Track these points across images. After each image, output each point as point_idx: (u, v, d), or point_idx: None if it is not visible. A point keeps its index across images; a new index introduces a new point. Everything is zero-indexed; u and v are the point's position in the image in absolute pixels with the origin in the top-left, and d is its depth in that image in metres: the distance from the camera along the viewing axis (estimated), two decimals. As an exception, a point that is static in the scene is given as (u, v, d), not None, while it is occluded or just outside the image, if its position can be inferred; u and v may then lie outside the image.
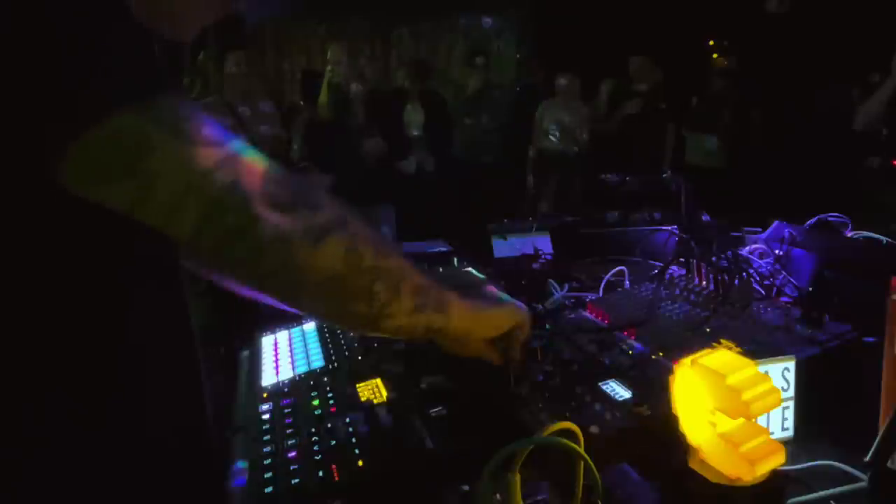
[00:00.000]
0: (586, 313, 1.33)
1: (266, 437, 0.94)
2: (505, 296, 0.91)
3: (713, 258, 1.39)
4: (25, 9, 0.48)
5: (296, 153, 3.99)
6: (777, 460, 0.76)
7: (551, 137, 5.12)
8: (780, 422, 0.99)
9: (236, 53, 3.92)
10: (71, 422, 0.60)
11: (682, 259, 1.51)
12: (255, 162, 0.58)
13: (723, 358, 0.81)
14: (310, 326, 1.33)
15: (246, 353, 1.30)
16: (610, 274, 1.60)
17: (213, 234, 0.56)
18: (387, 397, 1.01)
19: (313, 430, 0.94)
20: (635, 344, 1.15)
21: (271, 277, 0.61)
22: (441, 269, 1.32)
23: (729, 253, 1.39)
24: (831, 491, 0.86)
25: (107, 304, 0.61)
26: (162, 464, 0.68)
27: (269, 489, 0.83)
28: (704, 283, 1.38)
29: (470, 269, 1.65)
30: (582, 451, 0.71)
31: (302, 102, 4.86)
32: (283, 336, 1.32)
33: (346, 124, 3.94)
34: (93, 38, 0.50)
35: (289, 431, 0.94)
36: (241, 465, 0.86)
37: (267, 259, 0.59)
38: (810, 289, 1.37)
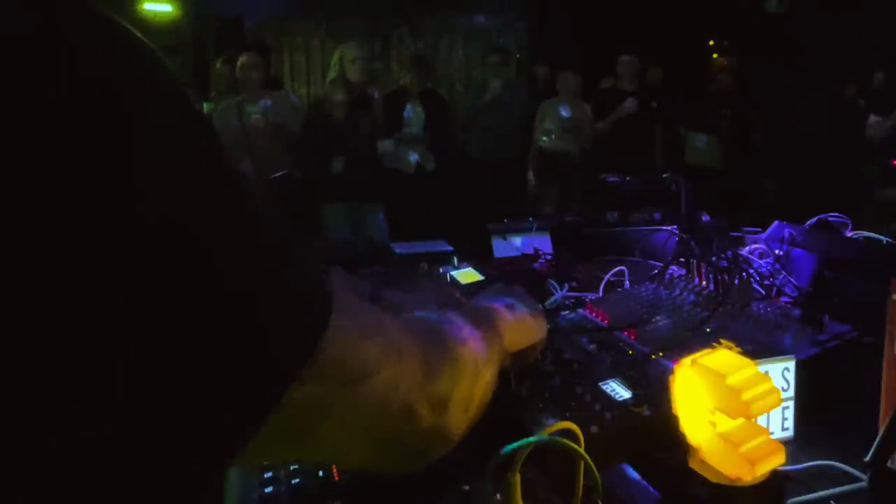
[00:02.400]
0: (586, 313, 1.33)
1: (266, 437, 0.94)
2: (538, 306, 0.92)
3: (713, 258, 1.39)
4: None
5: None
6: (777, 460, 0.76)
7: (553, 137, 5.12)
8: (780, 422, 0.99)
9: (248, 54, 3.95)
10: None
11: (682, 259, 1.50)
12: (412, 355, 0.50)
13: (723, 358, 0.81)
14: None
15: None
16: (610, 274, 1.60)
17: (385, 461, 0.53)
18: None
19: (313, 430, 0.94)
20: (635, 344, 1.15)
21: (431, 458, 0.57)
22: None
23: (729, 253, 1.39)
24: (831, 491, 0.86)
25: None
26: None
27: (269, 489, 0.83)
28: (704, 283, 1.38)
29: (470, 268, 1.65)
30: (582, 451, 0.71)
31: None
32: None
33: (358, 124, 3.92)
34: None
35: (289, 431, 0.94)
36: None
37: (430, 455, 0.56)
38: (810, 289, 1.37)
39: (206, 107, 4.14)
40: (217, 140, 0.38)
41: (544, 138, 5.13)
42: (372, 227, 3.97)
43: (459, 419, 0.56)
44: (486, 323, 0.71)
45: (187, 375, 0.33)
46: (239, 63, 3.94)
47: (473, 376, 0.58)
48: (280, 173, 3.79)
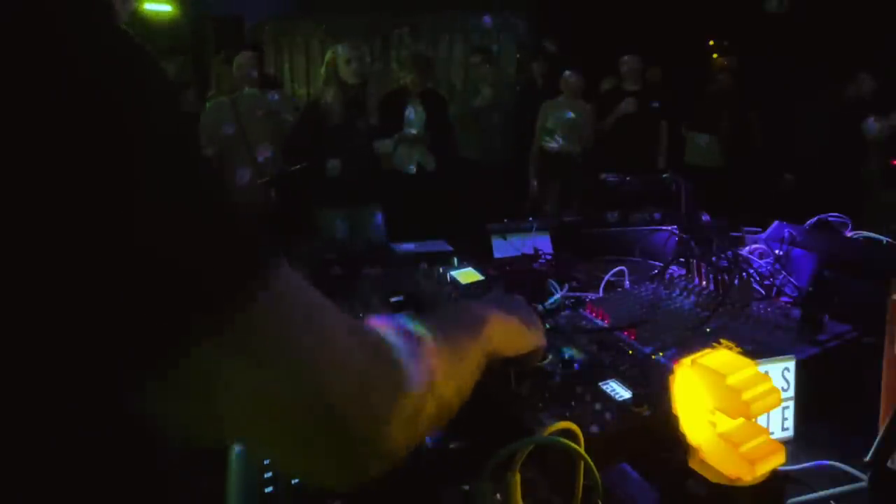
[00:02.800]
0: (586, 313, 1.33)
1: (266, 437, 0.94)
2: (534, 316, 0.92)
3: (713, 258, 1.39)
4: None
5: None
6: (777, 460, 0.76)
7: (557, 138, 5.11)
8: (780, 422, 0.99)
9: (244, 53, 3.95)
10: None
11: (682, 259, 1.51)
12: (348, 352, 0.48)
13: (723, 358, 0.81)
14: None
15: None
16: (610, 274, 1.60)
17: (305, 467, 0.50)
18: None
19: (313, 430, 0.94)
20: (635, 344, 1.15)
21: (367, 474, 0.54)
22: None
23: (729, 253, 1.39)
24: (831, 491, 0.86)
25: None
26: None
27: (269, 489, 0.83)
28: (704, 283, 1.38)
29: (470, 268, 1.65)
30: (582, 451, 0.71)
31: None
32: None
33: (356, 124, 3.91)
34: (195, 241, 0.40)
35: (289, 431, 0.94)
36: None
37: (364, 470, 0.52)
38: (810, 289, 1.37)
39: (208, 105, 4.14)
40: (197, 138, 0.42)
41: (547, 139, 5.13)
42: (370, 229, 3.97)
43: (401, 434, 0.51)
44: (467, 331, 0.70)
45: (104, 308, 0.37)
46: (235, 63, 3.94)
47: (423, 394, 0.54)
48: (298, 166, 3.77)
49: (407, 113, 4.25)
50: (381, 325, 0.56)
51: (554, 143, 5.11)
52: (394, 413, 0.50)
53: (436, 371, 0.57)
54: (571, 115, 5.13)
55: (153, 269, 0.38)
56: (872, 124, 4.72)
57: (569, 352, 1.10)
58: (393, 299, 1.47)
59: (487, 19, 7.55)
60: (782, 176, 5.30)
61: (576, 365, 1.05)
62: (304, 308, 0.46)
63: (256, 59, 4.05)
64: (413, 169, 4.23)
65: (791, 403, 1.00)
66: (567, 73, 5.14)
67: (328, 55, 3.98)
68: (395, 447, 0.51)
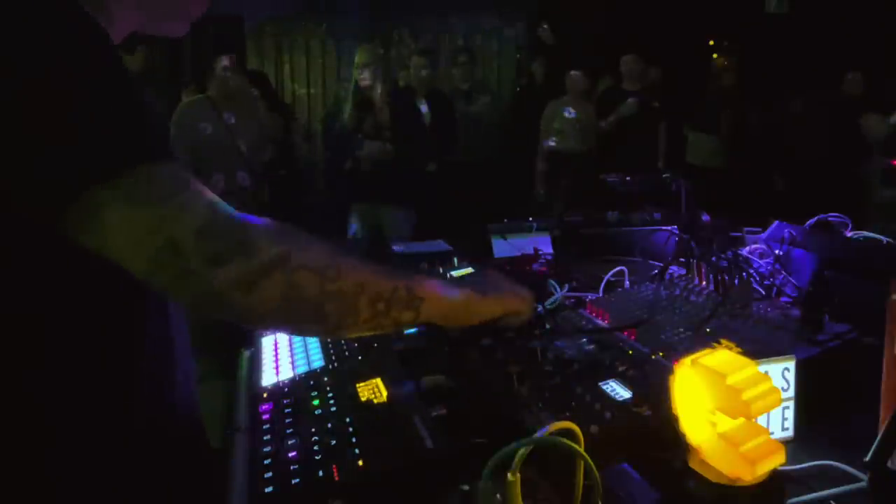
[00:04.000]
0: (586, 313, 1.33)
1: (266, 437, 0.94)
2: (507, 285, 0.95)
3: (713, 258, 1.39)
4: (23, 69, 0.59)
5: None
6: (777, 460, 0.76)
7: (570, 139, 5.10)
8: (780, 422, 0.99)
9: (228, 56, 3.91)
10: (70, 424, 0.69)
11: (682, 259, 1.51)
12: (195, 216, 0.63)
13: (723, 358, 0.81)
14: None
15: (246, 353, 1.30)
16: (610, 274, 1.60)
17: (161, 283, 0.64)
18: (387, 397, 1.01)
19: (313, 430, 0.94)
20: (635, 344, 1.15)
21: (220, 314, 0.67)
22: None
23: (729, 253, 1.39)
24: (831, 491, 0.86)
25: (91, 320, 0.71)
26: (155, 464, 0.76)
27: (269, 489, 0.83)
28: (704, 283, 1.38)
29: (470, 268, 1.65)
30: (582, 451, 0.71)
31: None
32: (282, 336, 1.32)
33: (363, 125, 3.92)
34: (83, 104, 0.61)
35: (289, 431, 0.94)
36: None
37: (210, 305, 0.65)
38: (810, 289, 1.37)
39: (183, 102, 4.11)
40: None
41: (554, 139, 5.13)
42: (394, 226, 3.96)
43: (235, 285, 0.64)
44: (381, 271, 0.77)
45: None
46: (216, 67, 3.88)
47: (266, 264, 0.65)
48: (277, 174, 3.78)
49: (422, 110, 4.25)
50: (282, 225, 0.70)
51: (557, 139, 5.10)
52: (228, 262, 0.63)
53: (292, 260, 0.67)
54: (577, 115, 5.12)
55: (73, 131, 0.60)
56: (876, 125, 4.72)
57: (567, 350, 1.10)
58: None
59: (488, 20, 7.54)
60: (778, 177, 5.30)
61: (576, 365, 1.05)
62: (173, 184, 0.63)
63: (235, 61, 3.99)
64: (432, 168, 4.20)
65: (791, 403, 1.00)
66: (573, 73, 5.13)
67: (357, 62, 3.99)
68: (230, 294, 0.64)
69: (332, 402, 1.02)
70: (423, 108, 4.27)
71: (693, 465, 0.80)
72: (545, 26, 5.99)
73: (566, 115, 5.13)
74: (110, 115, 0.62)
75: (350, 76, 4.01)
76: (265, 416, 1.00)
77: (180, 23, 0.84)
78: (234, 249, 0.64)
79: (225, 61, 3.85)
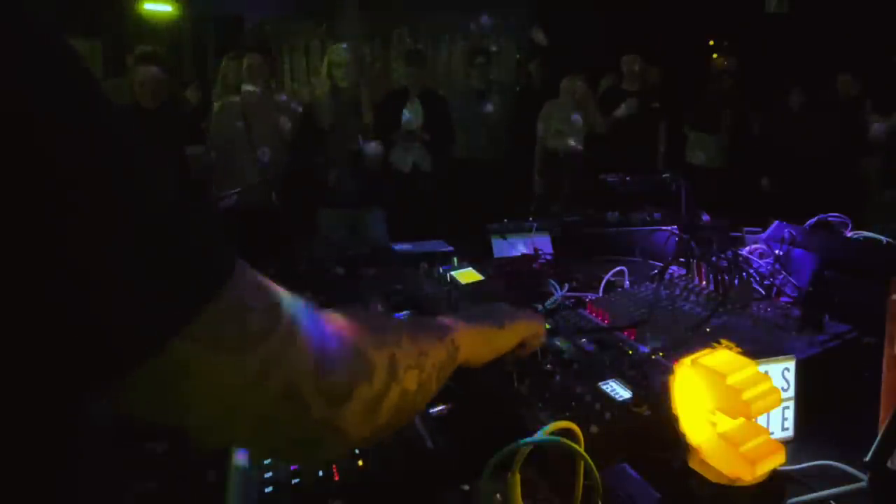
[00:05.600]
0: (586, 313, 1.33)
1: (266, 437, 0.94)
2: (519, 312, 0.94)
3: (713, 258, 1.39)
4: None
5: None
6: (777, 460, 0.76)
7: (570, 140, 5.10)
8: (780, 422, 0.99)
9: (254, 55, 3.95)
10: None
11: (682, 259, 1.51)
12: (306, 338, 0.50)
13: (723, 358, 0.81)
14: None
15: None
16: (610, 274, 1.60)
17: (268, 447, 0.53)
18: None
19: (313, 430, 0.94)
20: (635, 344, 1.15)
21: (336, 455, 0.61)
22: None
23: (729, 253, 1.39)
24: (831, 491, 0.86)
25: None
26: None
27: (269, 489, 0.83)
28: (704, 283, 1.38)
29: (470, 268, 1.65)
30: (582, 451, 0.71)
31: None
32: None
33: (347, 127, 3.92)
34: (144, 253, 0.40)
35: (289, 431, 0.94)
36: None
37: (325, 451, 0.57)
38: (810, 289, 1.37)
39: (217, 106, 4.12)
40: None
41: (553, 138, 5.13)
42: (370, 231, 3.97)
43: (361, 419, 0.54)
44: (432, 333, 0.71)
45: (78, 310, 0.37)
46: (245, 63, 3.92)
47: (385, 380, 0.57)
48: (255, 182, 3.79)
49: (405, 112, 4.25)
50: (348, 316, 0.58)
51: (555, 138, 5.10)
52: (352, 396, 0.53)
53: (399, 363, 0.59)
54: (576, 114, 5.12)
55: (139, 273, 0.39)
56: (879, 126, 4.72)
57: (566, 348, 1.10)
58: (393, 299, 1.47)
59: (487, 19, 7.54)
60: (766, 178, 5.31)
61: (576, 365, 1.05)
62: (262, 298, 0.48)
63: (266, 62, 4.04)
64: (409, 168, 4.21)
65: (791, 403, 1.00)
66: (571, 75, 5.12)
67: (325, 59, 4.00)
68: (354, 431, 0.54)
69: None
70: (406, 113, 4.26)
71: (693, 465, 0.80)
72: (538, 28, 5.99)
73: (564, 114, 5.13)
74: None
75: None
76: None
77: None
78: (354, 377, 0.54)
79: (253, 62, 3.90)
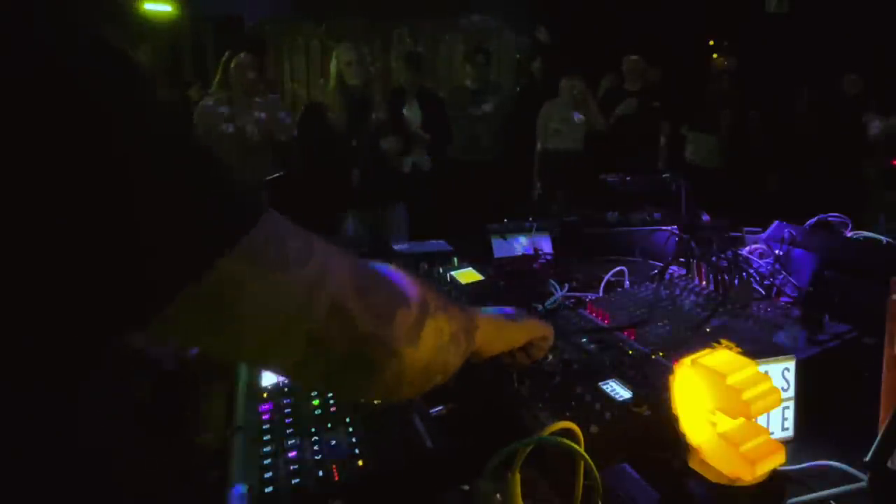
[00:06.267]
0: (586, 313, 1.33)
1: (266, 437, 0.94)
2: (529, 317, 0.94)
3: (713, 258, 1.39)
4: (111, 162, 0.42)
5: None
6: (777, 460, 0.76)
7: (573, 140, 5.10)
8: (780, 422, 0.99)
9: (243, 55, 3.92)
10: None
11: (682, 259, 1.51)
12: (343, 267, 0.54)
13: (723, 358, 0.81)
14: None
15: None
16: (610, 274, 1.60)
17: (323, 366, 0.54)
18: (387, 397, 1.01)
19: (313, 430, 0.94)
20: (635, 344, 1.15)
21: (381, 386, 0.59)
22: None
23: (729, 253, 1.39)
24: (831, 491, 0.86)
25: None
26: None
27: (269, 489, 0.83)
28: (704, 283, 1.38)
29: (470, 268, 1.65)
30: (582, 451, 0.71)
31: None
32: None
33: (359, 126, 3.92)
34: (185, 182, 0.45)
35: (289, 431, 0.94)
36: (241, 488, 0.85)
37: (382, 374, 0.57)
38: (810, 289, 1.37)
39: (200, 105, 4.10)
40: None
41: (552, 138, 5.13)
42: (395, 227, 3.96)
43: (407, 340, 0.57)
44: (458, 308, 0.72)
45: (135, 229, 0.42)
46: (234, 63, 3.90)
47: (420, 310, 0.60)
48: (275, 175, 3.78)
49: (403, 113, 4.25)
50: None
51: (554, 139, 5.10)
52: (395, 315, 0.56)
53: (430, 302, 0.62)
54: (575, 114, 5.12)
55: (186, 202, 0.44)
56: (875, 126, 4.72)
57: (566, 348, 1.10)
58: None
59: (487, 19, 7.54)
60: (773, 176, 5.31)
61: (575, 365, 1.05)
62: (297, 232, 0.52)
63: (256, 61, 4.02)
64: (408, 165, 4.21)
65: (791, 403, 1.00)
66: (570, 75, 5.12)
67: (332, 60, 3.99)
68: (406, 353, 0.57)
69: (332, 402, 1.02)
70: (406, 110, 4.27)
71: (693, 465, 0.80)
72: (542, 27, 5.99)
73: (563, 114, 5.13)
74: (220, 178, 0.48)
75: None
76: (265, 416, 1.00)
77: None
78: (392, 297, 0.57)
79: (242, 62, 3.86)
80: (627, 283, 1.59)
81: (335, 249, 0.55)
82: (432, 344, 0.61)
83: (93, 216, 0.40)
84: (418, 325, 0.59)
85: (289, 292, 0.49)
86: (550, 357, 1.06)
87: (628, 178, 2.24)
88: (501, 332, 0.86)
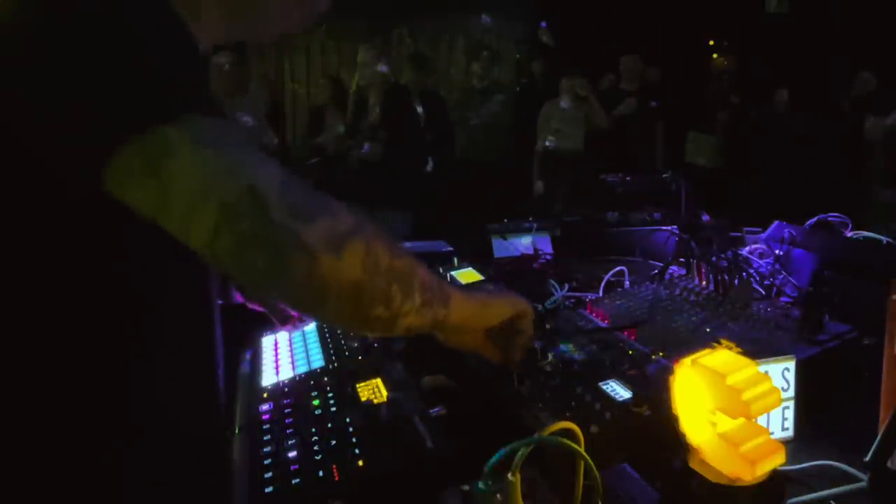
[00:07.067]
0: (586, 313, 1.33)
1: (266, 437, 0.94)
2: (506, 292, 0.93)
3: (713, 258, 1.39)
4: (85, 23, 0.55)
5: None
6: (777, 460, 0.76)
7: (570, 141, 5.10)
8: (780, 422, 0.99)
9: (224, 53, 3.90)
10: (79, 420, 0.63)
11: (682, 259, 1.51)
12: (273, 169, 0.58)
13: (723, 358, 0.81)
14: (310, 326, 1.33)
15: (246, 353, 1.30)
16: (610, 274, 1.60)
17: (231, 241, 0.56)
18: (387, 397, 1.01)
19: (313, 430, 0.94)
20: (635, 344, 1.15)
21: (294, 288, 0.60)
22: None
23: (729, 253, 1.39)
24: (831, 491, 0.86)
25: (125, 309, 0.64)
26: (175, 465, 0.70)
27: (269, 489, 0.83)
28: (704, 283, 1.38)
29: (470, 268, 1.66)
30: (582, 451, 0.71)
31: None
32: (283, 336, 1.32)
33: (360, 125, 3.95)
34: (143, 52, 0.56)
35: (289, 431, 0.94)
36: None
37: (289, 269, 0.58)
38: (810, 289, 1.37)
39: None
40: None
41: (552, 138, 5.12)
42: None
43: (324, 247, 0.58)
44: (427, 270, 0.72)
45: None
46: (213, 62, 3.86)
47: (350, 227, 0.61)
48: (314, 160, 3.79)
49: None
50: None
51: (554, 138, 5.10)
52: (315, 220, 0.58)
53: (377, 231, 0.64)
54: (576, 115, 5.12)
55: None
56: (870, 126, 4.72)
57: (567, 350, 1.10)
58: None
59: (487, 19, 7.54)
60: (754, 177, 5.31)
61: (576, 365, 1.05)
62: (243, 129, 0.60)
63: (236, 64, 3.98)
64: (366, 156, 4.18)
65: (791, 403, 1.00)
66: (570, 75, 5.12)
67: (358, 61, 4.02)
68: (321, 258, 0.58)
69: (332, 402, 1.02)
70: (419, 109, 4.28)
71: (693, 465, 0.80)
72: (545, 27, 5.99)
73: (563, 114, 5.13)
74: (182, 64, 0.58)
75: (346, 76, 4.03)
76: (265, 416, 1.01)
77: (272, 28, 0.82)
78: (319, 207, 0.59)
79: (219, 58, 3.83)
80: (627, 283, 1.59)
81: (287, 171, 0.60)
82: (360, 262, 0.61)
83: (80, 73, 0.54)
84: (342, 237, 0.60)
85: (215, 164, 0.55)
86: (551, 357, 1.06)
87: (628, 178, 2.24)
88: (479, 310, 0.84)
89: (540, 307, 1.38)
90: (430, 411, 0.96)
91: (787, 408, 0.99)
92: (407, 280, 0.68)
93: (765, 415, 0.92)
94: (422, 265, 0.71)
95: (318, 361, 1.18)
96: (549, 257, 1.84)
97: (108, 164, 0.53)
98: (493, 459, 0.68)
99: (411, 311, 0.69)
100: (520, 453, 0.68)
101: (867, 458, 0.82)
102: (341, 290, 0.61)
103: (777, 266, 1.48)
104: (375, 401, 1.00)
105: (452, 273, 1.62)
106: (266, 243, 0.57)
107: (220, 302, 0.79)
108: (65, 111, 0.54)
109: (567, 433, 0.72)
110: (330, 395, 1.04)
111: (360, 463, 0.85)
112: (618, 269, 1.62)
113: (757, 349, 1.02)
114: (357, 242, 0.61)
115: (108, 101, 0.54)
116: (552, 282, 1.53)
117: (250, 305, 1.27)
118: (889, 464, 0.82)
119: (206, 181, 0.55)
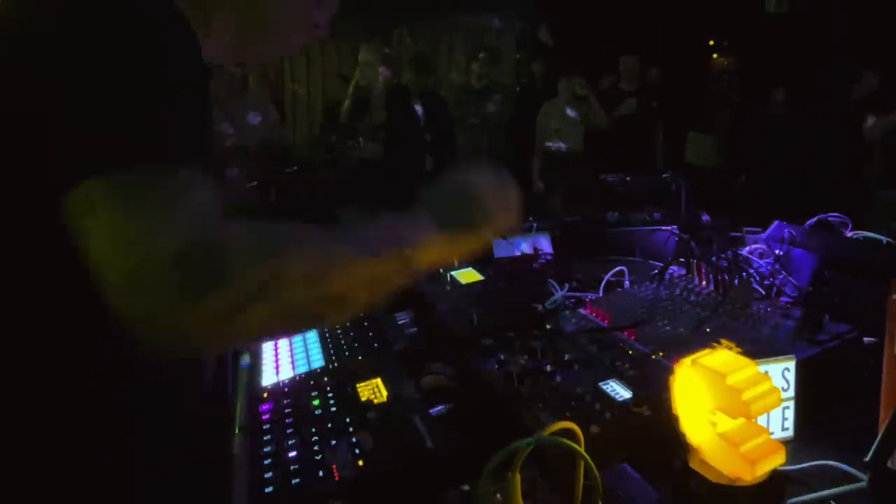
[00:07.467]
0: (586, 313, 1.33)
1: (266, 437, 0.94)
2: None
3: (713, 258, 1.39)
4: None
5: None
6: (777, 460, 0.76)
7: (563, 137, 5.10)
8: (780, 422, 0.99)
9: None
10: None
11: (682, 259, 1.51)
12: (175, 236, 0.56)
13: (723, 358, 0.81)
14: (310, 326, 1.33)
15: (246, 353, 1.30)
16: (610, 274, 1.60)
17: (133, 308, 0.56)
18: (387, 397, 1.01)
19: (313, 430, 0.94)
20: (635, 344, 1.15)
21: (183, 354, 0.64)
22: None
23: (729, 253, 1.39)
24: (831, 491, 0.86)
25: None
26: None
27: (269, 489, 0.83)
28: (704, 283, 1.38)
29: (470, 268, 1.65)
30: (582, 451, 0.71)
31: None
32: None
33: (359, 125, 3.95)
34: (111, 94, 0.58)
35: (289, 431, 0.94)
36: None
37: (173, 345, 0.58)
38: (810, 289, 1.37)
39: None
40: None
41: (552, 139, 5.12)
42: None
43: (208, 326, 0.57)
44: (366, 248, 0.69)
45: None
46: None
47: (251, 299, 0.59)
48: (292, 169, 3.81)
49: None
50: (240, 228, 0.61)
51: (559, 144, 5.10)
52: (202, 297, 0.56)
53: (293, 275, 0.61)
54: (575, 114, 5.12)
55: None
56: (867, 126, 4.72)
57: (567, 350, 1.10)
58: (393, 299, 1.47)
59: (487, 19, 7.54)
60: (740, 177, 5.30)
61: (576, 365, 1.05)
62: (173, 192, 0.58)
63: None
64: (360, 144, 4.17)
65: (791, 403, 1.00)
66: (570, 75, 5.12)
67: (359, 60, 4.03)
68: (193, 332, 0.57)
69: (332, 402, 1.02)
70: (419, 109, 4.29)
71: (693, 465, 0.80)
72: (545, 27, 5.99)
73: (563, 114, 5.13)
74: (130, 106, 0.58)
75: (351, 75, 4.04)
76: (265, 416, 1.01)
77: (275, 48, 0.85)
78: (210, 279, 0.56)
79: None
80: (627, 283, 1.59)
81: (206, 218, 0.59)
82: (256, 321, 0.59)
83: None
84: (234, 308, 0.57)
85: (121, 231, 0.56)
86: (549, 357, 1.06)
87: (628, 178, 2.24)
88: (454, 244, 0.80)
89: (540, 307, 1.38)
90: (430, 411, 0.96)
91: (787, 408, 0.99)
92: (341, 298, 0.66)
93: (765, 415, 0.92)
94: (373, 258, 0.69)
95: (318, 361, 1.18)
96: (549, 257, 1.84)
97: (64, 197, 0.56)
98: (493, 459, 0.68)
99: (356, 308, 0.69)
100: (520, 453, 0.68)
101: (867, 458, 0.82)
102: (246, 334, 0.63)
103: (777, 266, 1.48)
104: (375, 401, 1.00)
105: (452, 273, 1.62)
106: (157, 320, 0.56)
107: None
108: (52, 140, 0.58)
109: (567, 433, 0.72)
110: (330, 395, 1.04)
111: (360, 463, 0.85)
112: (618, 269, 1.62)
113: (757, 349, 1.02)
114: (253, 306, 0.58)
115: (72, 140, 0.57)
116: (552, 282, 1.52)
117: None
118: (889, 464, 0.81)
119: (111, 247, 0.55)
